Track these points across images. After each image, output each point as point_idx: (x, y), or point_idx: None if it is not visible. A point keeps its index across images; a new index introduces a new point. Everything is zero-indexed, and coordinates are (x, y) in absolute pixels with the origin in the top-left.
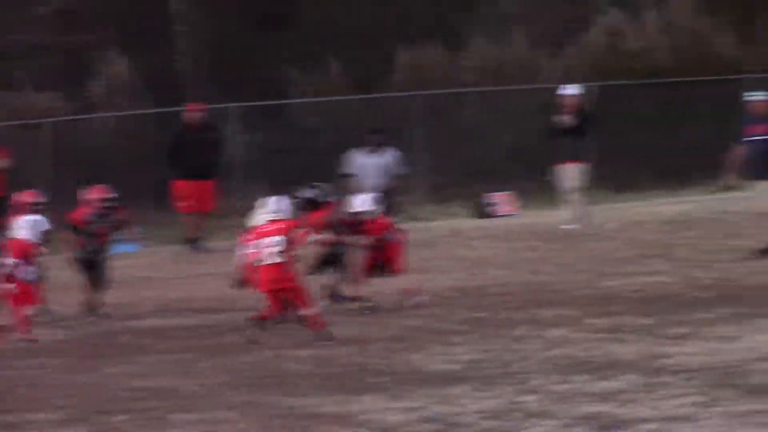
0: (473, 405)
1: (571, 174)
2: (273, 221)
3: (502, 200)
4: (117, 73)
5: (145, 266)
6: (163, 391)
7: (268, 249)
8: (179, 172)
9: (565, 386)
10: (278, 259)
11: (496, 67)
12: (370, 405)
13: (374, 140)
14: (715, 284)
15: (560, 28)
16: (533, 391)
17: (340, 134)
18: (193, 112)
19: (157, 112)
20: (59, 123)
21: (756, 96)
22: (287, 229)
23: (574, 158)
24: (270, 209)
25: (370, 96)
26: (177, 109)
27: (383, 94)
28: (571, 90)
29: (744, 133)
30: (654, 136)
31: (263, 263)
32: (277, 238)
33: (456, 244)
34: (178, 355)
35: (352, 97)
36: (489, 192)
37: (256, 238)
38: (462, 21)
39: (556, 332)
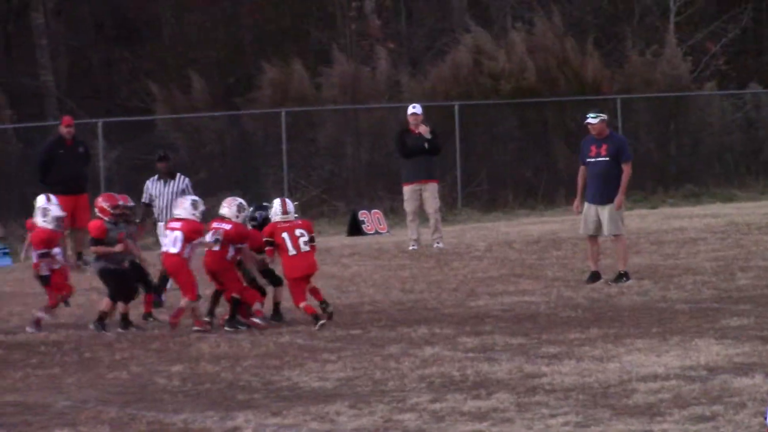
0: (350, 423)
1: (428, 193)
2: (289, 220)
3: (371, 218)
4: None
5: (15, 281)
6: (35, 406)
7: (298, 240)
8: (52, 186)
9: (441, 405)
10: (306, 248)
11: (358, 85)
12: (243, 422)
13: (162, 168)
14: (586, 304)
15: (425, 47)
16: (410, 410)
17: (204, 150)
18: (67, 125)
19: (17, 127)
20: None
21: (591, 117)
22: (308, 224)
23: (428, 177)
24: (277, 211)
25: (232, 113)
26: (39, 124)
27: (245, 111)
28: (418, 108)
29: (585, 155)
30: (521, 156)
31: (293, 253)
32: (302, 230)
33: (326, 262)
34: (48, 370)
35: (214, 113)
36: (356, 210)
37: (280, 233)
38: (326, 39)
39: (429, 351)
